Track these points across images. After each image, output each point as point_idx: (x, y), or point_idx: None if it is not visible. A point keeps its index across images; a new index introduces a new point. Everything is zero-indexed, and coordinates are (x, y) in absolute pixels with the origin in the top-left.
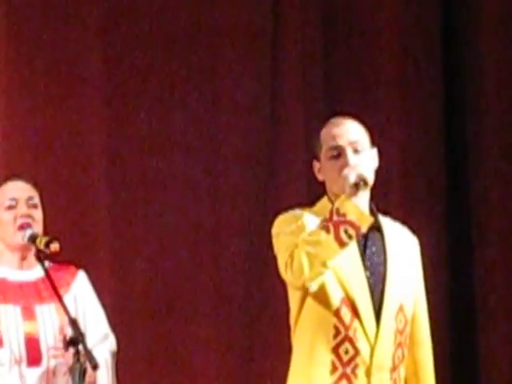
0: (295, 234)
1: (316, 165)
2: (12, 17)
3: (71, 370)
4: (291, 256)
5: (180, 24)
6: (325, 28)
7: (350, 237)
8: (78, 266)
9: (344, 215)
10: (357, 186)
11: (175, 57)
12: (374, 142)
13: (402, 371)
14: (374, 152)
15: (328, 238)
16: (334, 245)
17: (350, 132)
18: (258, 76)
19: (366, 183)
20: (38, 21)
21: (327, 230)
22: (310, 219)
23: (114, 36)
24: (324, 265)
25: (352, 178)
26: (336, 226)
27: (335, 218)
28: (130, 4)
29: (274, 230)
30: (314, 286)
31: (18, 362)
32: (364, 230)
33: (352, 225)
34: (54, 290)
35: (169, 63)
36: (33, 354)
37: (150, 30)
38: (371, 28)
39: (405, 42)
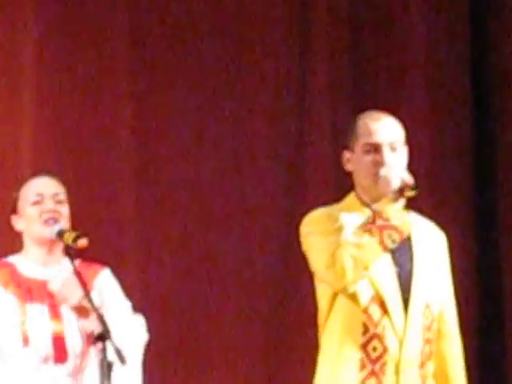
0: (333, 234)
1: (346, 155)
2: (41, 18)
3: (99, 365)
4: (333, 257)
5: (207, 17)
6: (353, 25)
7: (393, 241)
8: (104, 261)
9: (388, 220)
10: (402, 192)
11: (201, 54)
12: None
13: (430, 367)
14: (406, 150)
15: (372, 242)
16: (378, 249)
17: (390, 130)
18: (288, 73)
19: (412, 188)
20: (67, 22)
21: (371, 234)
22: (345, 218)
23: (141, 35)
24: (366, 268)
25: (396, 183)
26: (381, 231)
27: (379, 222)
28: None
29: (306, 229)
30: (353, 288)
31: (45, 361)
32: (406, 234)
33: (396, 230)
34: (83, 286)
35: (197, 59)
36: (59, 352)
37: (176, 25)
38: (399, 26)
39: (432, 42)
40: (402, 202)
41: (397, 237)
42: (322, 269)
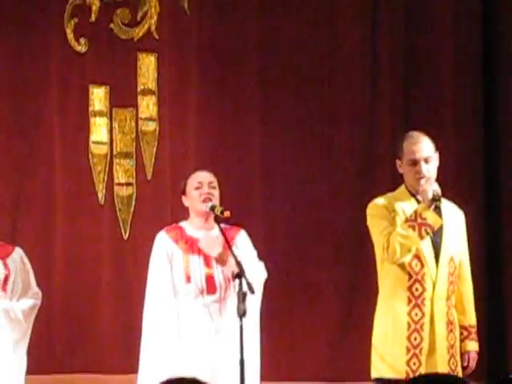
0: (389, 221)
1: (398, 162)
2: (201, 46)
3: (237, 294)
4: (388, 242)
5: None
6: (407, 56)
7: (427, 233)
8: (241, 226)
9: (425, 219)
10: (433, 201)
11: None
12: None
13: (453, 300)
14: (437, 155)
15: (414, 234)
16: (417, 239)
17: (425, 149)
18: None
19: (439, 198)
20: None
21: (413, 229)
22: (398, 207)
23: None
24: (410, 251)
25: (430, 195)
26: (419, 227)
27: (419, 220)
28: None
29: (370, 211)
30: (400, 262)
31: (201, 293)
32: (436, 228)
33: (430, 226)
34: (226, 242)
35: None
36: (210, 286)
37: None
38: (436, 48)
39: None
40: (433, 206)
41: (429, 231)
42: (380, 249)
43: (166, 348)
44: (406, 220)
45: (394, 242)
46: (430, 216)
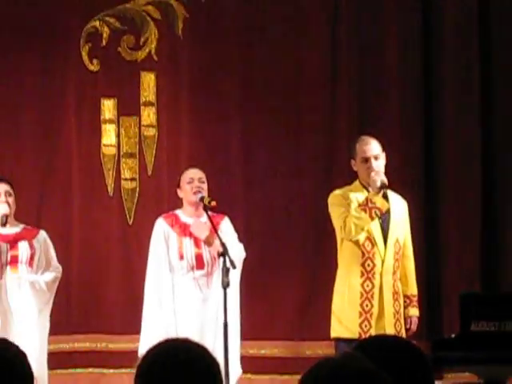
0: (345, 207)
1: (352, 162)
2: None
3: (221, 269)
4: (344, 223)
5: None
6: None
7: (376, 215)
8: (225, 213)
9: (374, 203)
10: (381, 188)
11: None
12: (384, 149)
13: (398, 274)
14: (384, 155)
15: (365, 216)
16: (368, 219)
17: (374, 148)
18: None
19: (386, 186)
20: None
21: (365, 211)
22: (352, 196)
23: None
24: (363, 229)
25: (378, 184)
26: (370, 210)
27: (369, 204)
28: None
29: (330, 201)
30: (355, 239)
31: (192, 268)
32: (385, 210)
33: (379, 209)
34: (213, 227)
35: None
36: (199, 263)
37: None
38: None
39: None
40: (381, 193)
41: (378, 213)
42: (338, 229)
43: (163, 313)
44: (359, 205)
45: (349, 222)
46: (378, 200)
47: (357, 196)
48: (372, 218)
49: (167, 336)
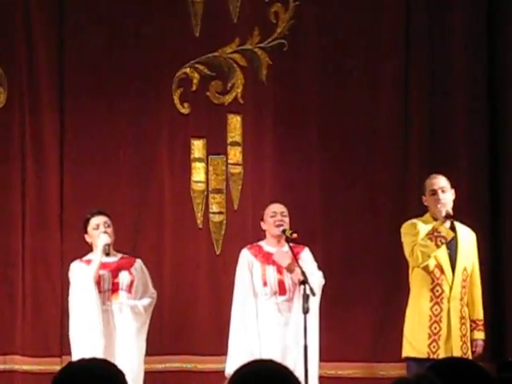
0: (415, 236)
1: (423, 198)
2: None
3: (302, 295)
4: (412, 251)
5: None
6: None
7: (442, 243)
8: (305, 244)
9: (440, 232)
10: (446, 217)
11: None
12: (452, 186)
13: (465, 300)
14: (453, 191)
15: (431, 244)
16: (434, 247)
17: (441, 181)
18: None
19: (451, 216)
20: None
21: (431, 240)
22: (421, 226)
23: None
24: (429, 257)
25: (443, 213)
26: (436, 238)
27: (435, 233)
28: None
29: (402, 230)
30: (423, 266)
31: (275, 294)
32: (449, 239)
33: (444, 237)
34: (294, 256)
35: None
36: (281, 289)
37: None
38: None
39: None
40: (447, 223)
41: (444, 241)
42: (408, 256)
43: (248, 335)
44: (426, 234)
45: (416, 250)
46: (443, 230)
47: (426, 227)
48: (438, 246)
49: (252, 357)
